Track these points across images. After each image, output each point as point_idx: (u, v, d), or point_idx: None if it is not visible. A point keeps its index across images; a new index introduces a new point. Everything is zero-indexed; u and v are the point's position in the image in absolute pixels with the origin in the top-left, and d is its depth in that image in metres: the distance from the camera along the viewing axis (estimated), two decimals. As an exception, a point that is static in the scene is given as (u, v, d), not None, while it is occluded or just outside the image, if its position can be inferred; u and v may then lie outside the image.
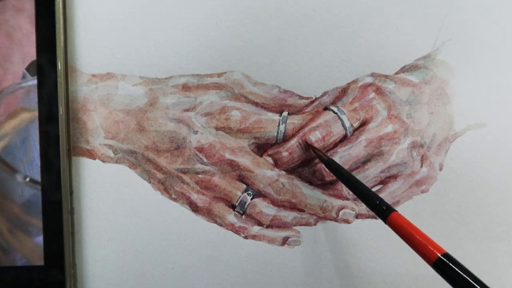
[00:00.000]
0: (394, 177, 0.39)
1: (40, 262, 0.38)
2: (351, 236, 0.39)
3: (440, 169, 0.39)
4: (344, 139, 0.39)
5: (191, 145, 0.39)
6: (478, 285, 0.22)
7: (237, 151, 0.39)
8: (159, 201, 0.39)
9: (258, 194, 0.39)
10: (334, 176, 0.38)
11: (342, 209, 0.39)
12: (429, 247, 0.25)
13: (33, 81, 0.38)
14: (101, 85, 0.39)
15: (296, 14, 0.38)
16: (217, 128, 0.39)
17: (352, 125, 0.39)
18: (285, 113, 0.39)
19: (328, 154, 0.39)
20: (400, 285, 0.39)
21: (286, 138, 0.39)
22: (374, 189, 0.39)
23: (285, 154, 0.38)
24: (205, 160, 0.39)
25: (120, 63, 0.39)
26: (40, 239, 0.38)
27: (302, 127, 0.39)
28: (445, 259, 0.24)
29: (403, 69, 0.39)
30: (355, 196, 0.39)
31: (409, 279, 0.39)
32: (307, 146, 0.38)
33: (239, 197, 0.39)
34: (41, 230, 0.38)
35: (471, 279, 0.23)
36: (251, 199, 0.39)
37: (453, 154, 0.39)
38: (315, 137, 0.38)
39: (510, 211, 0.39)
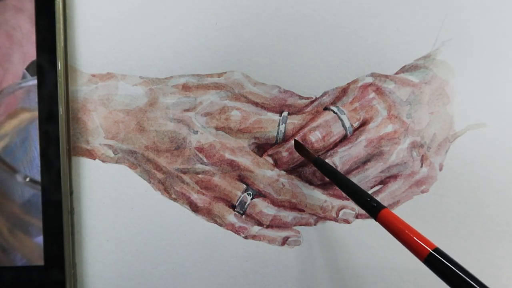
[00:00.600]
0: (394, 177, 0.39)
1: (40, 262, 0.38)
2: (351, 236, 0.39)
3: (440, 169, 0.39)
4: (344, 139, 0.39)
5: (191, 145, 0.39)
6: (470, 279, 0.22)
7: (237, 151, 0.39)
8: (159, 201, 0.39)
9: (258, 194, 0.39)
10: (334, 176, 0.38)
11: (342, 209, 0.39)
12: (420, 242, 0.25)
13: (33, 81, 0.38)
14: (101, 85, 0.39)
15: (296, 14, 0.38)
16: (217, 128, 0.39)
17: (352, 125, 0.39)
18: (285, 113, 0.39)
19: (328, 154, 0.39)
20: (400, 285, 0.39)
21: (286, 138, 0.39)
22: (374, 189, 0.39)
23: (285, 154, 0.38)
24: (205, 160, 0.39)
25: (120, 63, 0.39)
26: (40, 239, 0.38)
27: (302, 127, 0.39)
28: (436, 254, 0.24)
29: (403, 69, 0.39)
30: (355, 196, 0.39)
31: (409, 279, 0.39)
32: (295, 146, 0.38)
33: (239, 197, 0.39)
34: (41, 230, 0.38)
35: (462, 273, 0.22)
36: (251, 199, 0.39)
37: (453, 154, 0.39)
38: (315, 137, 0.38)
39: (510, 211, 0.39)
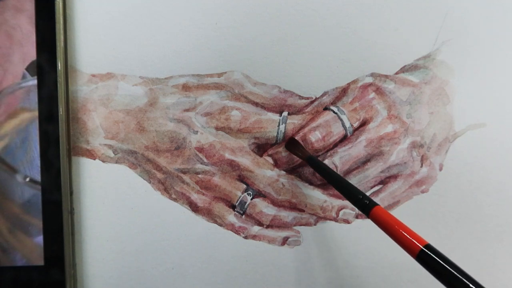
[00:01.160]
0: (394, 177, 0.39)
1: (40, 262, 0.38)
2: (351, 236, 0.39)
3: (440, 169, 0.39)
4: (344, 139, 0.39)
5: (191, 145, 0.39)
6: (461, 275, 0.22)
7: (237, 151, 0.39)
8: (159, 201, 0.39)
9: (258, 194, 0.39)
10: (334, 176, 0.38)
11: (342, 209, 0.39)
12: (412, 239, 0.25)
13: (33, 81, 0.38)
14: (101, 85, 0.39)
15: (296, 14, 0.38)
16: (217, 128, 0.39)
17: (352, 125, 0.39)
18: (285, 113, 0.39)
19: (328, 154, 0.39)
20: (400, 285, 0.39)
21: (286, 138, 0.39)
22: (374, 189, 0.39)
23: (285, 154, 0.38)
24: (205, 160, 0.39)
25: (120, 63, 0.39)
26: (40, 239, 0.38)
27: (302, 127, 0.39)
28: (427, 251, 0.24)
29: (403, 69, 0.39)
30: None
31: (409, 278, 0.39)
32: (288, 143, 0.38)
33: (239, 197, 0.39)
34: (41, 230, 0.38)
35: (453, 269, 0.22)
36: (251, 199, 0.39)
37: (453, 154, 0.39)
38: (315, 137, 0.38)
39: (510, 211, 0.39)
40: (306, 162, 0.36)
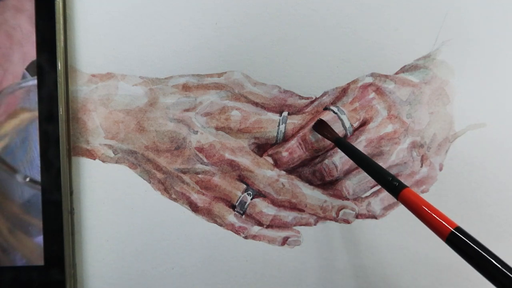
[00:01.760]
0: (394, 177, 0.39)
1: (40, 262, 0.38)
2: (351, 236, 0.39)
3: (440, 169, 0.39)
4: (344, 139, 0.39)
5: (191, 145, 0.39)
6: (491, 258, 0.22)
7: (237, 151, 0.39)
8: (159, 201, 0.39)
9: (258, 194, 0.39)
10: (334, 176, 0.38)
11: (342, 209, 0.39)
12: (442, 221, 0.24)
13: (33, 81, 0.38)
14: (101, 85, 0.39)
15: (296, 14, 0.38)
16: (217, 128, 0.39)
17: (352, 125, 0.39)
18: (285, 113, 0.39)
19: (328, 154, 0.38)
20: (400, 285, 0.39)
21: (286, 138, 0.39)
22: (374, 189, 0.39)
23: (285, 154, 0.38)
24: (205, 160, 0.39)
25: (120, 63, 0.39)
26: (40, 239, 0.38)
27: (302, 127, 0.39)
28: (457, 233, 0.23)
29: (403, 69, 0.39)
30: (355, 196, 0.39)
31: (409, 279, 0.39)
32: (315, 126, 0.37)
33: (239, 197, 0.39)
34: (41, 230, 0.38)
35: (484, 252, 0.22)
36: (251, 199, 0.39)
37: (453, 154, 0.39)
38: (315, 137, 0.38)
39: (510, 211, 0.39)
40: (334, 143, 0.36)
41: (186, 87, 0.39)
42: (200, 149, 0.39)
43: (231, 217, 0.39)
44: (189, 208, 0.39)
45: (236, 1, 0.38)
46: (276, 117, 0.39)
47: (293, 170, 0.39)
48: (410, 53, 0.39)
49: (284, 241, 0.39)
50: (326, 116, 0.38)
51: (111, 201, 0.39)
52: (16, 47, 0.38)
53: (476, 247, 0.23)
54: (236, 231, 0.39)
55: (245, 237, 0.39)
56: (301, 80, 0.39)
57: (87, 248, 0.39)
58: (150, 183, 0.39)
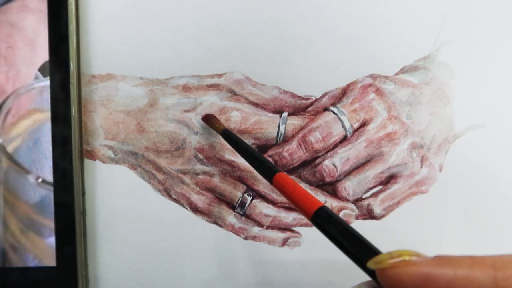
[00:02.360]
0: (394, 178, 0.39)
1: (52, 263, 0.38)
2: (351, 237, 0.39)
3: (440, 170, 0.39)
4: (344, 140, 0.39)
5: (191, 145, 0.39)
6: (351, 237, 0.21)
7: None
8: (159, 202, 0.39)
9: (258, 195, 0.39)
10: (334, 177, 0.38)
11: (342, 210, 0.39)
12: (307, 202, 0.24)
13: (45, 82, 0.38)
14: (101, 86, 0.39)
15: (296, 14, 0.38)
16: (217, 129, 0.39)
17: (352, 126, 0.39)
18: (285, 114, 0.39)
19: (328, 154, 0.39)
20: (400, 286, 0.39)
21: (286, 139, 0.39)
22: (374, 190, 0.39)
23: (285, 154, 0.38)
24: (205, 160, 0.39)
25: (120, 63, 0.39)
26: (52, 240, 0.38)
27: (302, 128, 0.39)
28: (321, 212, 0.23)
29: (403, 70, 0.39)
30: (355, 197, 0.39)
31: (409, 280, 0.39)
32: (204, 118, 0.38)
33: (239, 198, 0.39)
34: (53, 231, 0.38)
35: (344, 232, 0.22)
36: (251, 200, 0.39)
37: (453, 155, 0.39)
38: (315, 138, 0.38)
39: (510, 211, 0.39)
40: (220, 135, 0.36)
41: (186, 88, 0.39)
42: (200, 150, 0.39)
43: (231, 218, 0.39)
44: (189, 209, 0.39)
45: (236, 1, 0.38)
46: (276, 118, 0.39)
47: (293, 170, 0.39)
48: (410, 54, 0.39)
49: (284, 242, 0.39)
50: (327, 117, 0.38)
51: (111, 202, 0.39)
52: (28, 48, 0.38)
53: (337, 227, 0.22)
54: (236, 232, 0.39)
55: (245, 238, 0.39)
56: (301, 81, 0.39)
57: (88, 249, 0.39)
58: (150, 184, 0.39)
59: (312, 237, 0.39)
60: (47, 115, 0.38)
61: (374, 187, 0.39)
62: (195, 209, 0.39)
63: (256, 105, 0.39)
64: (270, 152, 0.39)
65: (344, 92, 0.39)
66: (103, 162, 0.39)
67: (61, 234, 0.38)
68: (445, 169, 0.39)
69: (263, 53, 0.39)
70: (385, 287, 0.19)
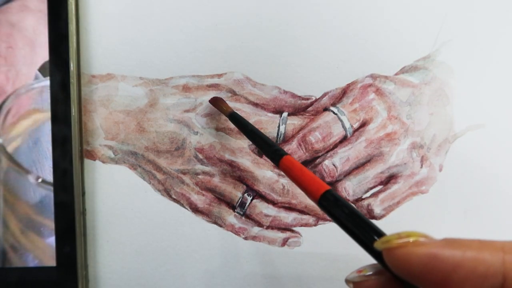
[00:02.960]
0: (394, 178, 0.39)
1: (52, 263, 0.38)
2: (351, 237, 0.39)
3: (440, 170, 0.39)
4: (344, 140, 0.39)
5: (191, 146, 0.39)
6: (358, 220, 0.21)
7: (237, 151, 0.39)
8: (159, 202, 0.39)
9: (258, 195, 0.39)
10: (334, 177, 0.38)
11: (342, 210, 0.39)
12: (314, 185, 0.24)
13: (45, 82, 0.38)
14: (101, 86, 0.39)
15: (296, 14, 0.38)
16: (217, 129, 0.39)
17: (352, 126, 0.39)
18: (285, 114, 0.39)
19: (328, 154, 0.38)
20: (400, 286, 0.39)
21: (286, 139, 0.39)
22: (374, 190, 0.39)
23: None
24: (205, 161, 0.39)
25: (120, 63, 0.39)
26: (52, 240, 0.38)
27: (302, 128, 0.39)
28: (327, 196, 0.23)
29: (403, 70, 0.39)
30: (355, 197, 0.39)
31: (409, 280, 0.39)
32: (212, 101, 0.38)
33: (239, 198, 0.39)
34: (53, 231, 0.38)
35: (351, 214, 0.22)
36: (251, 200, 0.39)
37: (453, 155, 0.39)
38: (315, 138, 0.38)
39: (510, 211, 0.39)
40: (228, 117, 0.36)
41: (186, 88, 0.39)
42: (200, 150, 0.39)
43: (231, 218, 0.39)
44: (189, 209, 0.39)
45: (237, 1, 0.38)
46: (276, 118, 0.39)
47: (293, 171, 0.39)
48: (410, 54, 0.39)
49: (284, 242, 0.39)
50: (327, 117, 0.38)
51: (111, 202, 0.39)
52: (28, 48, 0.38)
53: (343, 210, 0.22)
54: (236, 232, 0.39)
55: (245, 238, 0.39)
56: (301, 81, 0.39)
57: (88, 249, 0.39)
58: (150, 184, 0.39)
59: (312, 237, 0.39)
60: (47, 115, 0.38)
61: (374, 187, 0.39)
62: (195, 209, 0.39)
63: (256, 105, 0.39)
64: (270, 152, 0.39)
65: (344, 92, 0.39)
66: (103, 162, 0.39)
67: (61, 234, 0.38)
68: (445, 169, 0.39)
69: (263, 53, 0.39)
70: (392, 268, 0.19)
